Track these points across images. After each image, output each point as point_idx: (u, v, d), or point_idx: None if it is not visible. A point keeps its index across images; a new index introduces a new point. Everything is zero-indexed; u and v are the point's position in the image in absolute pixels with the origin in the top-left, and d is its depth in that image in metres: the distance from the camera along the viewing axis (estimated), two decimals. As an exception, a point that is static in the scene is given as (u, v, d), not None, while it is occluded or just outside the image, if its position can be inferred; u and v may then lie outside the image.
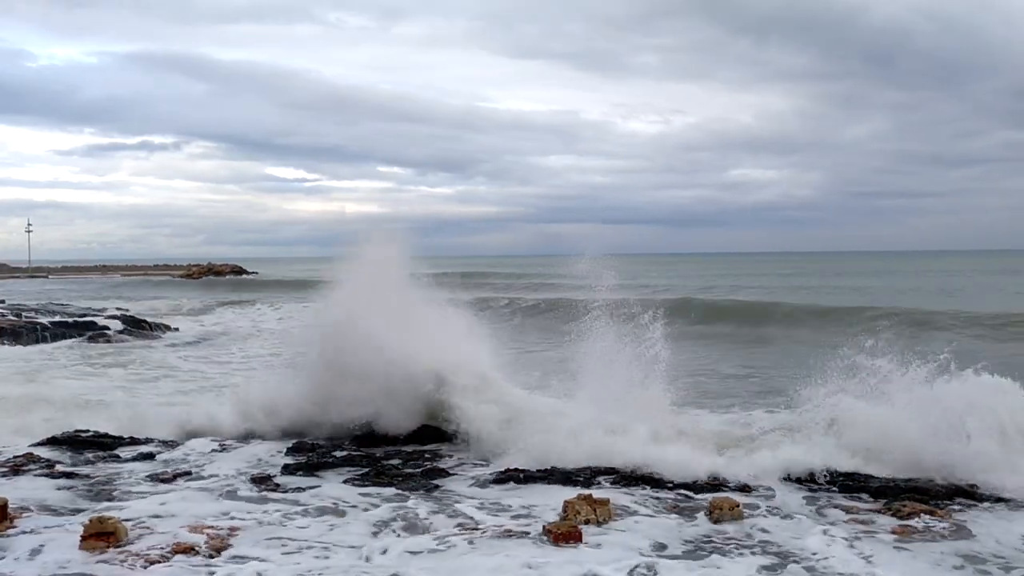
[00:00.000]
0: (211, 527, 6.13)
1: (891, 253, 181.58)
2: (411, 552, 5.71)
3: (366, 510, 6.73)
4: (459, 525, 6.32)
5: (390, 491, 7.26)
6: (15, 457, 8.31)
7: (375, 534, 6.14)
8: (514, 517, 6.52)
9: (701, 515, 6.48)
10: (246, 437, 9.58)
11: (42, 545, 5.70)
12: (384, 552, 5.72)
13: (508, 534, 6.06)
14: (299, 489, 7.34)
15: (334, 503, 6.93)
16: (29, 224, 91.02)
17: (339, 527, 6.29)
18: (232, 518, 6.43)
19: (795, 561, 5.49)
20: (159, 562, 5.41)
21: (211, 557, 5.55)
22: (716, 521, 6.30)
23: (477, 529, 6.21)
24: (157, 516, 6.39)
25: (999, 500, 6.83)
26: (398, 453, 8.91)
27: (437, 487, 7.45)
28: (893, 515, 6.45)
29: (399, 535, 6.11)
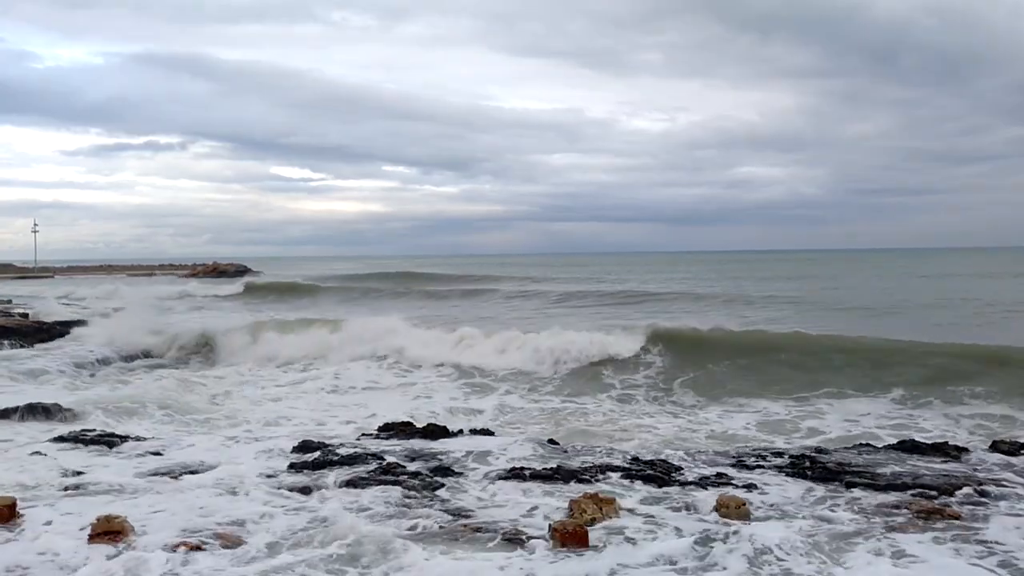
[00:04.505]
0: (215, 524, 6.13)
1: (897, 251, 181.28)
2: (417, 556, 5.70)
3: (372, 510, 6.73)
4: (464, 525, 6.31)
5: (396, 491, 7.25)
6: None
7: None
8: (520, 516, 6.51)
9: (708, 512, 6.46)
10: None
11: (52, 542, 5.71)
12: (391, 555, 5.71)
13: (516, 534, 6.05)
14: (304, 488, 7.32)
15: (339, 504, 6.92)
16: (35, 224, 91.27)
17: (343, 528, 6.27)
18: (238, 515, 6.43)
19: (806, 559, 5.47)
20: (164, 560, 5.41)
21: (215, 554, 5.55)
22: (723, 518, 6.28)
23: (481, 530, 6.20)
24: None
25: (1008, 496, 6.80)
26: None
27: (443, 485, 7.44)
28: (901, 512, 6.42)
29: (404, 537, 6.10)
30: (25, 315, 26.29)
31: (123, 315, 23.93)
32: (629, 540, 5.84)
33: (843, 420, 11.09)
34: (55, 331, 21.48)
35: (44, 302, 33.16)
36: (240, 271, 78.13)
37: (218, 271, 77.41)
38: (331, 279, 53.63)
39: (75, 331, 21.27)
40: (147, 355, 18.28)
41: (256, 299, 41.57)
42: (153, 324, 21.81)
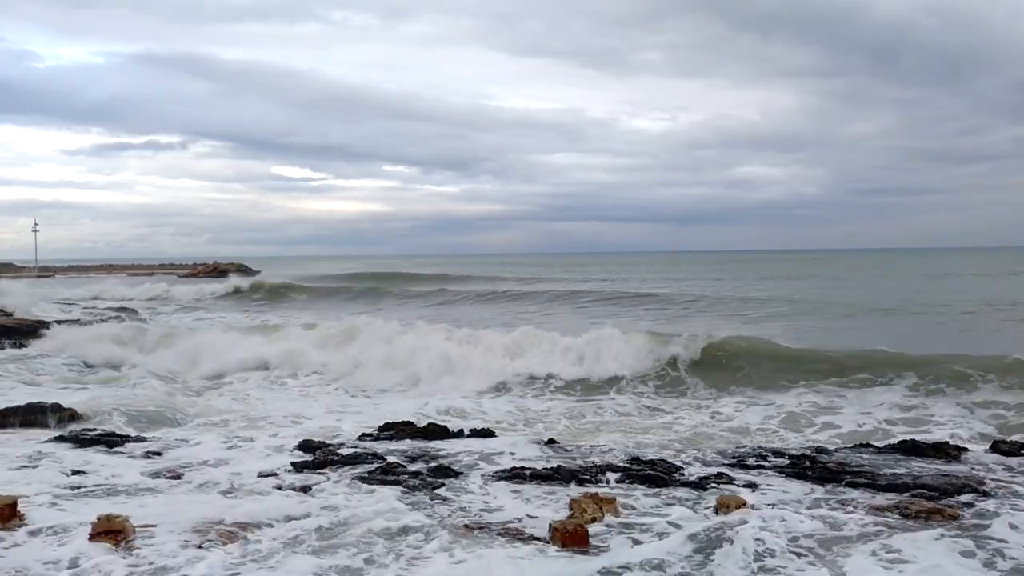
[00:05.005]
0: (217, 524, 6.13)
1: (897, 251, 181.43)
2: (418, 556, 5.71)
3: (374, 509, 6.73)
4: (465, 525, 6.32)
5: (396, 490, 7.26)
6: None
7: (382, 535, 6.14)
8: (521, 516, 6.51)
9: (708, 512, 6.47)
10: None
11: (52, 542, 5.72)
12: (393, 555, 5.72)
13: (516, 534, 6.05)
14: (305, 487, 7.33)
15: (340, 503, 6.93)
16: (36, 224, 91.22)
17: (344, 528, 6.29)
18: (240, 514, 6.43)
19: (807, 559, 5.49)
20: (166, 559, 5.42)
21: (217, 554, 5.55)
22: (723, 518, 6.28)
23: (482, 529, 6.20)
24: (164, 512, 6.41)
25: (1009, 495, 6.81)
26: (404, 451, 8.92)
27: (443, 485, 7.45)
28: (901, 512, 6.43)
29: (405, 537, 6.11)
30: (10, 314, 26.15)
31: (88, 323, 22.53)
32: (629, 540, 5.85)
33: (858, 413, 11.26)
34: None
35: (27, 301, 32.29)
36: (241, 271, 78.27)
37: (218, 271, 77.53)
38: (327, 279, 53.62)
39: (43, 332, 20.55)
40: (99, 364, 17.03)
41: (248, 300, 41.70)
42: (119, 331, 21.13)
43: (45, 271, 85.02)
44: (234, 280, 50.00)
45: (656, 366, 14.65)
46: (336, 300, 39.95)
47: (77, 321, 23.55)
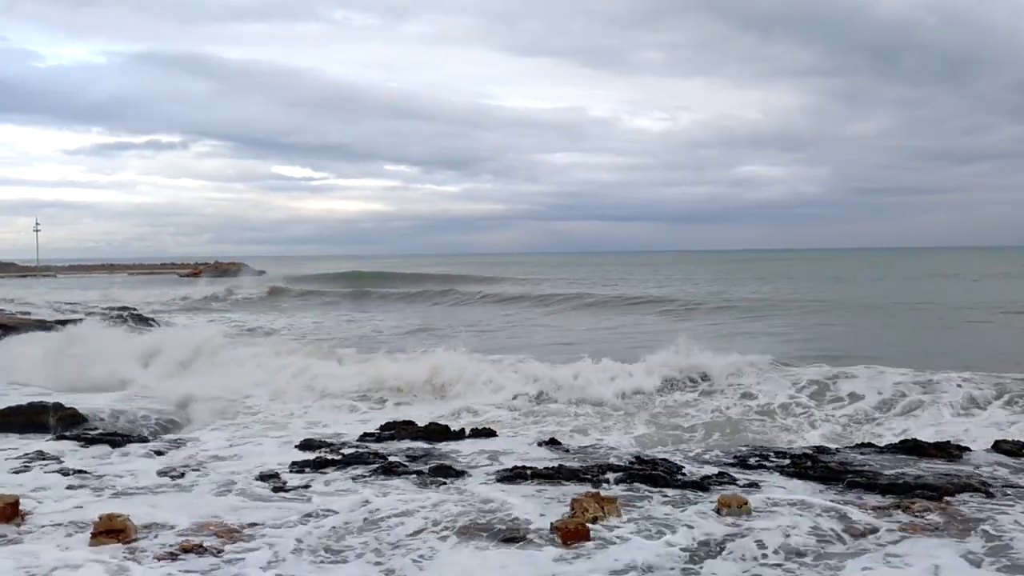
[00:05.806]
0: (218, 524, 6.14)
1: (898, 250, 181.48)
2: (421, 556, 5.72)
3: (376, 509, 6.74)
4: (467, 525, 6.32)
5: (398, 490, 7.26)
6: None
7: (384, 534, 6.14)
8: (522, 515, 6.51)
9: (709, 512, 6.46)
10: None
11: (54, 541, 5.72)
12: (396, 555, 5.72)
13: (518, 533, 6.05)
14: (305, 487, 7.33)
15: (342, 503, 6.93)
16: (37, 224, 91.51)
17: (346, 528, 6.30)
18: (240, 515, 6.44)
19: (808, 559, 5.48)
20: (167, 559, 5.43)
21: (218, 554, 5.56)
22: (725, 518, 6.29)
23: (483, 528, 6.21)
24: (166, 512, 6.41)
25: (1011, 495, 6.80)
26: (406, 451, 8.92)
27: (444, 484, 7.45)
28: (903, 512, 6.42)
29: (407, 537, 6.11)
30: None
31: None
32: (630, 539, 5.84)
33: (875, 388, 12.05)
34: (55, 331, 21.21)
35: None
36: (241, 268, 78.50)
37: (222, 271, 77.82)
38: (323, 280, 53.80)
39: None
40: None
41: (249, 300, 41.79)
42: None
43: (46, 271, 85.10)
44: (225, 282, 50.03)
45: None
46: (334, 301, 39.99)
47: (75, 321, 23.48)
